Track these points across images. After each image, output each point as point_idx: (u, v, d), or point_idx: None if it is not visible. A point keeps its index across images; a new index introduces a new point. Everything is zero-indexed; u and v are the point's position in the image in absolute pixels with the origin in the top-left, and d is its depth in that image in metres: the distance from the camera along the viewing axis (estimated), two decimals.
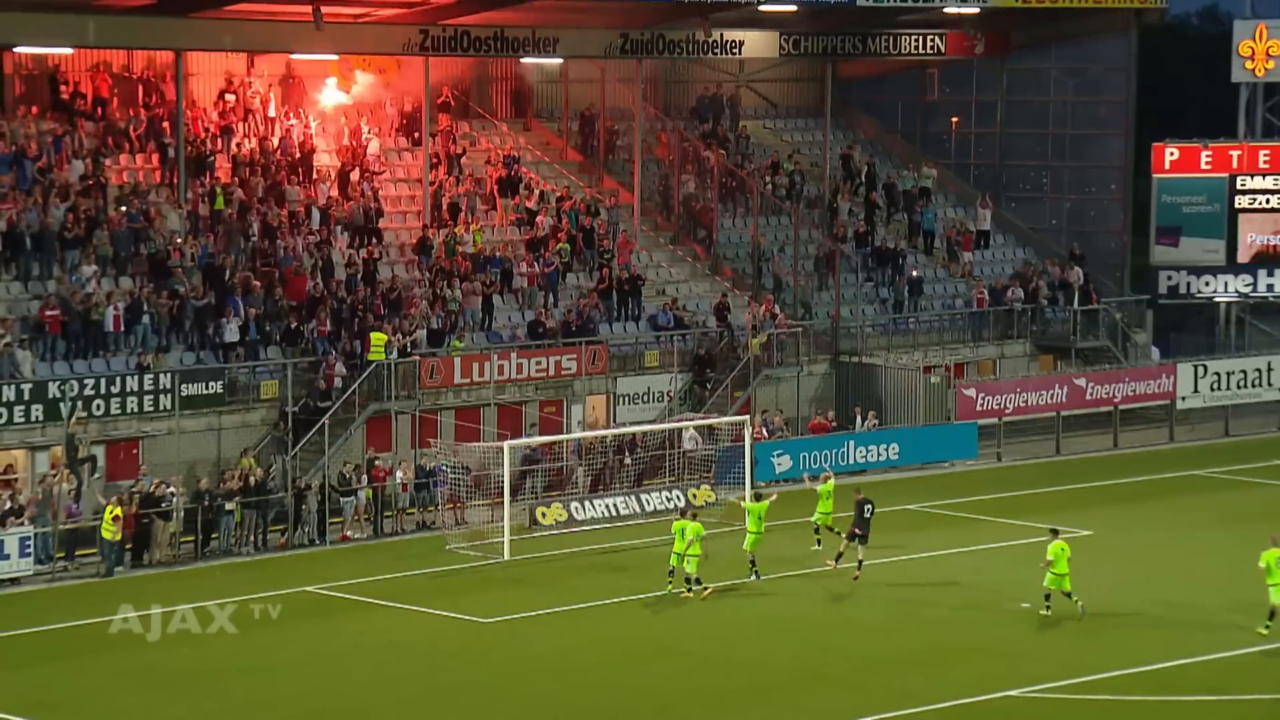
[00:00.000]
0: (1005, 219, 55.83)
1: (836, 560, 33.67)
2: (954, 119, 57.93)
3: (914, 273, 50.66)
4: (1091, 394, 48.18)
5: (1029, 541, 34.90)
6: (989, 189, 55.74)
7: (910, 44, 52.42)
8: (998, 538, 36.96)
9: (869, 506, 33.35)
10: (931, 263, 52.66)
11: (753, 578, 33.09)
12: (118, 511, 33.99)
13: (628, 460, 41.02)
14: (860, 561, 33.30)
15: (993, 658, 28.84)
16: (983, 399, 46.50)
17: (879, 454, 44.17)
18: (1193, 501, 41.16)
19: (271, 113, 45.80)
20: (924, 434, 45.10)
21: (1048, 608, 30.30)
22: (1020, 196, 57.20)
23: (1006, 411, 46.82)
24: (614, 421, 43.57)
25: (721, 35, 48.84)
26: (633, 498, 39.48)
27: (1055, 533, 30.73)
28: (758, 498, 34.13)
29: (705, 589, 32.17)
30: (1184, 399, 49.27)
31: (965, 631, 30.23)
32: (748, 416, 40.52)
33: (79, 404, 36.12)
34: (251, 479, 36.44)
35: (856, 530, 33.31)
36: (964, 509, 40.19)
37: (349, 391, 39.48)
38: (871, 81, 57.45)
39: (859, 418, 45.13)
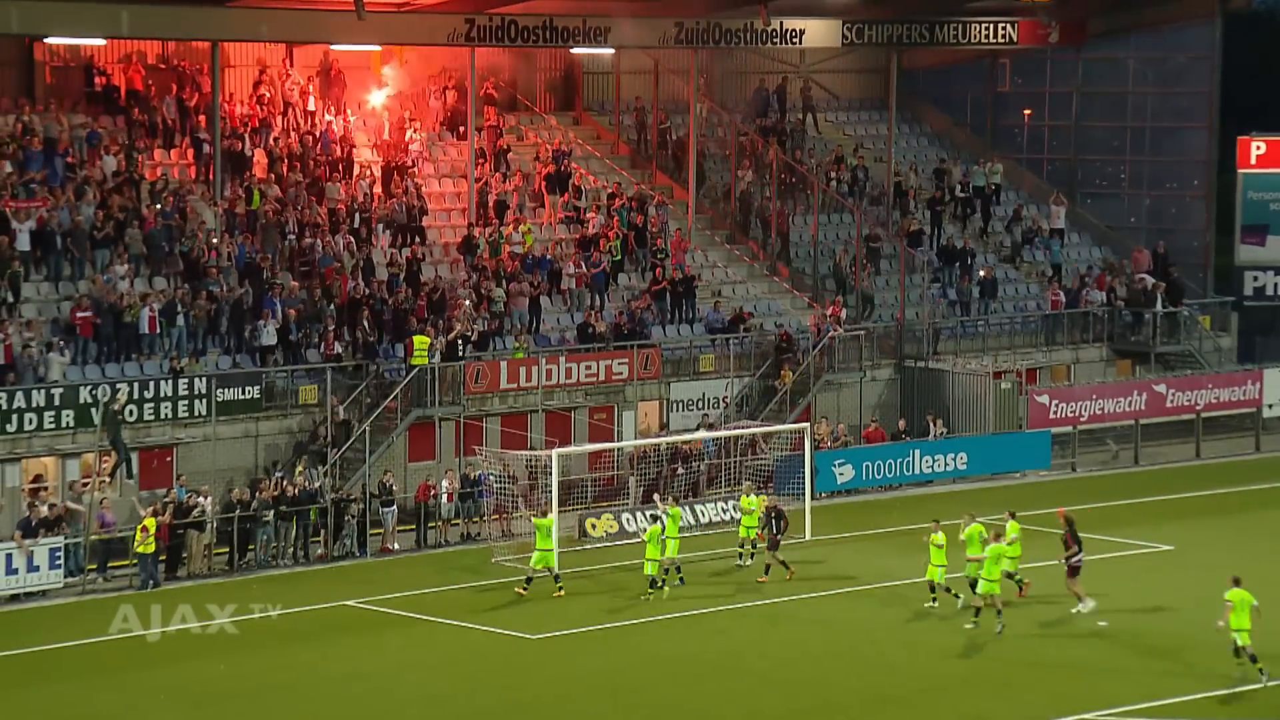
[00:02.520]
0: (1081, 217, 55.56)
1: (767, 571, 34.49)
2: (1026, 111, 57.68)
3: (981, 272, 50.43)
4: (1172, 401, 47.87)
5: (1105, 557, 34.70)
6: (1063, 185, 55.49)
7: (980, 32, 52.23)
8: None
9: (779, 519, 34.59)
10: (1002, 262, 52.45)
11: (677, 583, 34.08)
12: (149, 523, 34.29)
13: (681, 470, 41.04)
14: (768, 566, 34.31)
15: (1066, 679, 28.69)
16: (1056, 406, 46.26)
17: (946, 464, 44.03)
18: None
19: (310, 106, 46.09)
20: (994, 443, 44.92)
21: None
22: (1096, 193, 56.91)
23: (1082, 419, 46.57)
24: (667, 428, 43.60)
25: (781, 24, 48.83)
26: (687, 509, 39.47)
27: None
28: (676, 501, 35.19)
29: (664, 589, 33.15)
30: (1271, 406, 48.86)
31: (1038, 651, 30.07)
32: (807, 424, 40.46)
33: (120, 392, 36.33)
34: (292, 488, 36.64)
35: (775, 537, 34.43)
36: (1036, 522, 39.95)
37: (390, 397, 39.68)
38: (939, 72, 57.27)
39: (930, 425, 44.96)
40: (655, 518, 34.60)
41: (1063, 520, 32.71)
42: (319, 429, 38.99)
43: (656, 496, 36.93)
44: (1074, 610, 31.93)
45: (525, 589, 33.59)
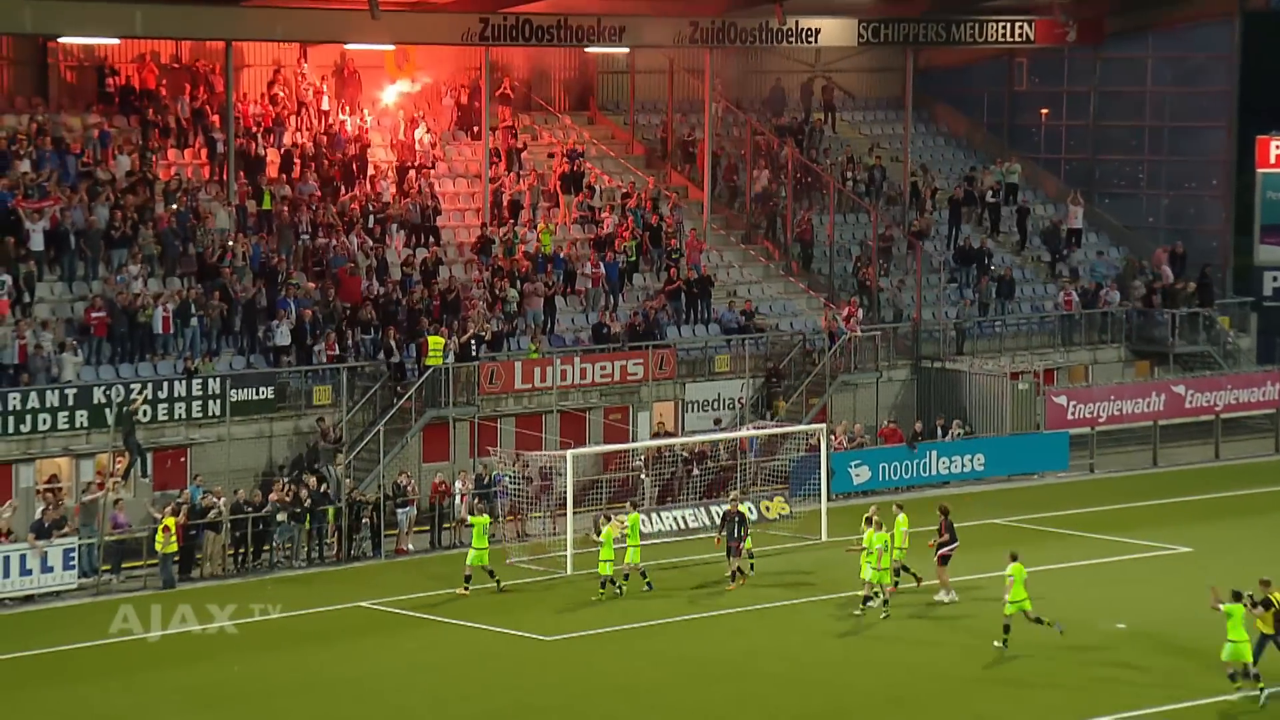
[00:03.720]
0: (1098, 216, 55.57)
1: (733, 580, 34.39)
2: (1043, 111, 57.70)
3: (991, 265, 50.20)
4: (1191, 402, 47.87)
5: (1123, 559, 34.74)
6: (1081, 185, 55.50)
7: (997, 31, 52.28)
8: (1090, 554, 36.80)
9: (740, 524, 34.55)
10: (1019, 262, 52.50)
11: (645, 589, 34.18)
12: (169, 523, 34.47)
13: (696, 471, 41.14)
14: (733, 573, 34.23)
15: (1083, 680, 28.74)
16: (1074, 407, 46.28)
17: (963, 465, 44.07)
18: None
19: (324, 106, 46.25)
20: (1011, 444, 44.95)
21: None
22: (1114, 193, 56.91)
23: (1100, 420, 46.58)
24: (682, 429, 43.71)
25: (796, 23, 48.91)
26: (702, 510, 39.61)
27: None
28: (635, 506, 35.25)
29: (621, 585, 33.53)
30: None
31: (1054, 653, 30.13)
32: (823, 425, 40.55)
33: (136, 394, 36.54)
34: (305, 489, 36.81)
35: (737, 543, 34.38)
36: (1054, 524, 40.03)
37: (405, 397, 39.83)
38: (956, 71, 57.31)
39: (939, 429, 45.01)
40: (608, 518, 34.87)
41: (940, 511, 33.54)
42: (330, 430, 39.11)
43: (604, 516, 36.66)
44: (935, 598, 32.84)
45: (467, 588, 33.81)
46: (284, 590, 34.73)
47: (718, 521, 39.23)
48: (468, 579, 34.03)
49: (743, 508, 35.94)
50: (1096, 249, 54.40)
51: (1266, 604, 28.22)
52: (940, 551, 33.17)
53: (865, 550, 32.20)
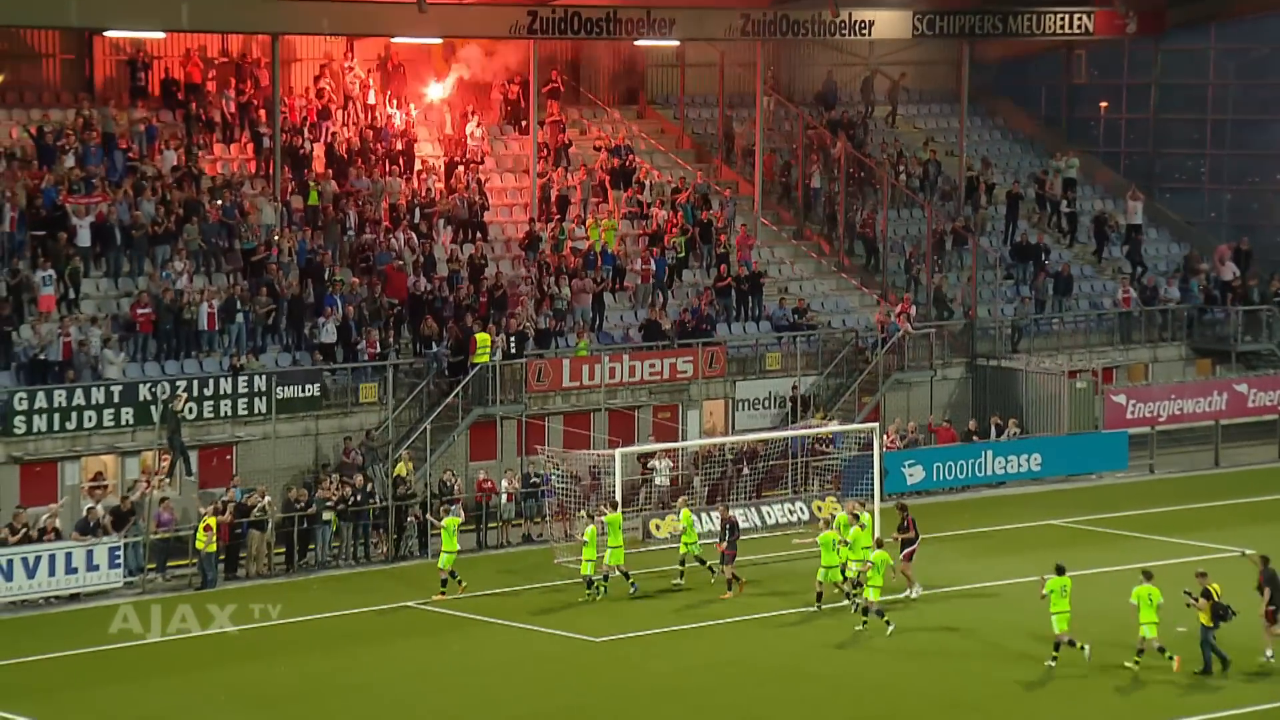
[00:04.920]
0: (1158, 211, 55.19)
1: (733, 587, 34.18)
2: (1103, 104, 57.37)
3: (1044, 257, 49.89)
4: (1254, 400, 47.50)
5: (1183, 561, 34.48)
6: (1140, 179, 55.13)
7: (1055, 23, 51.96)
8: (1150, 556, 36.42)
9: (733, 530, 34.47)
10: (1077, 259, 52.21)
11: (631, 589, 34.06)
12: (210, 521, 34.66)
13: (745, 470, 41.08)
14: (729, 581, 34.08)
15: (1144, 687, 28.55)
16: (1134, 406, 46.00)
17: (1020, 465, 43.86)
18: None
19: (371, 100, 46.41)
20: (1069, 444, 44.70)
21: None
22: (1175, 187, 56.54)
23: (1160, 419, 46.28)
24: (732, 428, 43.64)
25: (850, 15, 48.75)
26: (752, 509, 39.54)
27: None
28: (614, 506, 34.95)
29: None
30: None
31: (1115, 658, 29.91)
32: (876, 424, 40.42)
33: (181, 391, 36.77)
34: (351, 488, 36.92)
35: (727, 550, 34.24)
36: (1113, 525, 39.79)
37: (451, 395, 39.92)
38: (1013, 64, 57.04)
39: (993, 427, 44.80)
40: (591, 516, 34.87)
41: (899, 509, 34.12)
42: (376, 428, 39.25)
43: (589, 509, 36.53)
44: (903, 595, 33.07)
45: (445, 591, 33.79)
46: (330, 590, 34.86)
47: (769, 523, 39.27)
48: (443, 581, 33.86)
49: (736, 514, 36.04)
50: (1156, 245, 54.04)
51: (1206, 595, 28.57)
52: (906, 550, 33.51)
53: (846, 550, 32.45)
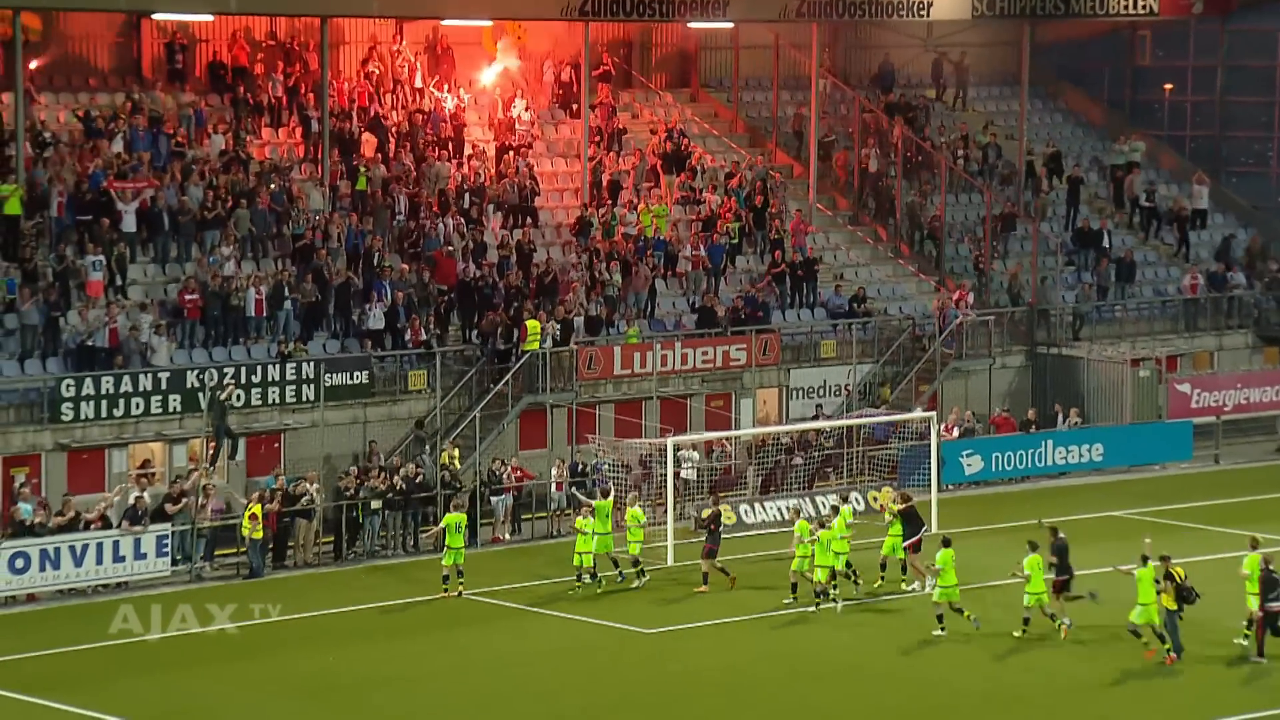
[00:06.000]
0: (1225, 196, 54.63)
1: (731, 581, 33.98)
2: (1167, 86, 56.79)
3: (1106, 244, 49.42)
4: None
5: (1250, 554, 34.08)
6: (1206, 163, 54.59)
7: (1119, 3, 51.40)
8: (1214, 549, 36.16)
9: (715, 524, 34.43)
10: (1140, 244, 51.73)
11: (637, 582, 33.95)
12: (255, 510, 34.75)
13: (798, 460, 40.88)
14: (705, 574, 33.88)
15: (1206, 682, 28.27)
16: (1198, 395, 45.60)
17: (1081, 455, 43.55)
18: None
19: (418, 83, 46.41)
20: (1132, 433, 44.36)
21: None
22: (1242, 171, 55.95)
23: (1225, 409, 45.84)
24: (786, 416, 43.46)
25: None
26: (807, 500, 39.37)
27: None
28: (605, 494, 34.80)
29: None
30: None
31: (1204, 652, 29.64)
32: (933, 413, 40.17)
33: (229, 378, 36.88)
34: (400, 477, 36.96)
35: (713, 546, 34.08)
36: (1176, 516, 39.44)
37: (501, 382, 39.91)
38: (1074, 45, 56.52)
39: (1059, 415, 44.47)
40: (579, 504, 34.81)
41: (901, 499, 33.95)
42: (425, 417, 39.25)
43: (582, 493, 36.31)
44: (908, 588, 33.21)
45: (448, 589, 33.52)
46: (378, 579, 34.91)
47: (824, 513, 39.03)
48: (445, 578, 33.63)
49: (724, 509, 35.86)
50: (1223, 230, 53.48)
51: (1169, 577, 28.64)
52: (909, 541, 33.31)
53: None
